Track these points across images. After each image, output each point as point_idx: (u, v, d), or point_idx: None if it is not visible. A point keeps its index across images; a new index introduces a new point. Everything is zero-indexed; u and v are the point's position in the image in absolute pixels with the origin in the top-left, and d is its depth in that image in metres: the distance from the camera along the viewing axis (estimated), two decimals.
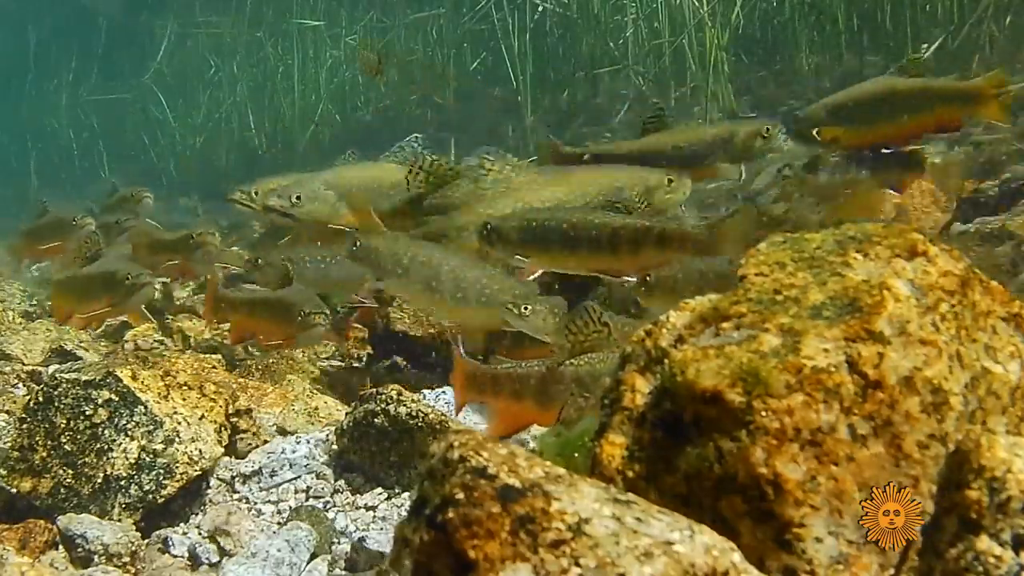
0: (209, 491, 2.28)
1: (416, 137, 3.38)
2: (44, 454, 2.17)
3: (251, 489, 2.28)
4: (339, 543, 2.06)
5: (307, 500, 2.24)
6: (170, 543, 2.06)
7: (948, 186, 3.59)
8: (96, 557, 1.99)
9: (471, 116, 9.65)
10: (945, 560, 1.06)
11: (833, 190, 3.19)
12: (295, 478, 2.30)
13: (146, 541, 2.08)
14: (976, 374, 1.20)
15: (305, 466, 2.31)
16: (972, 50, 6.00)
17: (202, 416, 2.29)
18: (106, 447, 2.16)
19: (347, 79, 11.66)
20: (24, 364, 3.72)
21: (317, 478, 2.29)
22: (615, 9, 8.76)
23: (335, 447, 2.35)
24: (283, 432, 2.60)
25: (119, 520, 2.09)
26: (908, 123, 3.01)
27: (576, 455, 1.42)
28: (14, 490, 2.14)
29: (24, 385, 3.41)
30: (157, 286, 4.53)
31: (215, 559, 2.04)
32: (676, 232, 2.49)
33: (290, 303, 2.96)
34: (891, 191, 3.20)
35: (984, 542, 1.03)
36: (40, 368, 3.67)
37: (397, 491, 2.21)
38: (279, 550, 1.93)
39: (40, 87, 15.68)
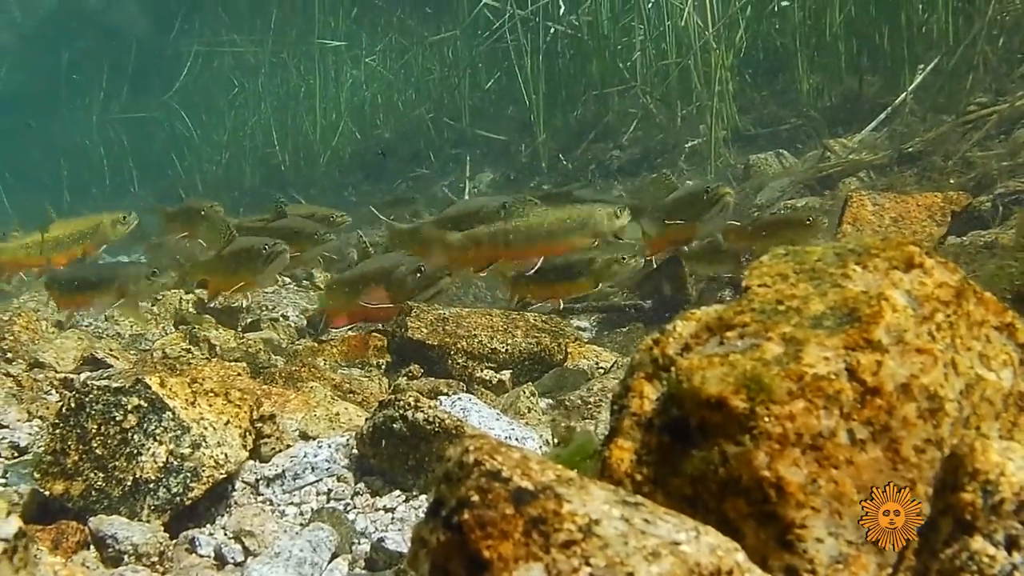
0: (234, 493, 2.30)
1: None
2: (76, 458, 2.18)
3: (275, 491, 2.31)
4: (359, 543, 2.08)
5: (328, 502, 2.26)
6: (197, 543, 2.09)
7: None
8: (126, 557, 2.01)
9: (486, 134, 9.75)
10: (941, 560, 1.08)
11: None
12: (317, 481, 2.32)
13: (174, 541, 2.10)
14: (970, 381, 1.22)
15: (326, 469, 2.34)
16: (967, 70, 6.02)
17: (227, 422, 2.33)
18: (135, 451, 2.17)
19: (367, 98, 11.85)
20: (57, 372, 3.78)
21: (338, 481, 2.32)
22: (624, 31, 8.87)
23: (355, 451, 2.37)
24: (305, 437, 2.64)
25: (148, 521, 2.11)
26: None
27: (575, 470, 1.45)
28: (47, 492, 2.15)
29: (57, 392, 3.48)
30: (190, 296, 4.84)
31: (240, 559, 2.06)
32: None
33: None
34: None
35: (978, 542, 1.06)
36: (72, 375, 3.76)
37: (415, 493, 2.23)
38: (301, 550, 1.95)
39: (72, 106, 16.08)
